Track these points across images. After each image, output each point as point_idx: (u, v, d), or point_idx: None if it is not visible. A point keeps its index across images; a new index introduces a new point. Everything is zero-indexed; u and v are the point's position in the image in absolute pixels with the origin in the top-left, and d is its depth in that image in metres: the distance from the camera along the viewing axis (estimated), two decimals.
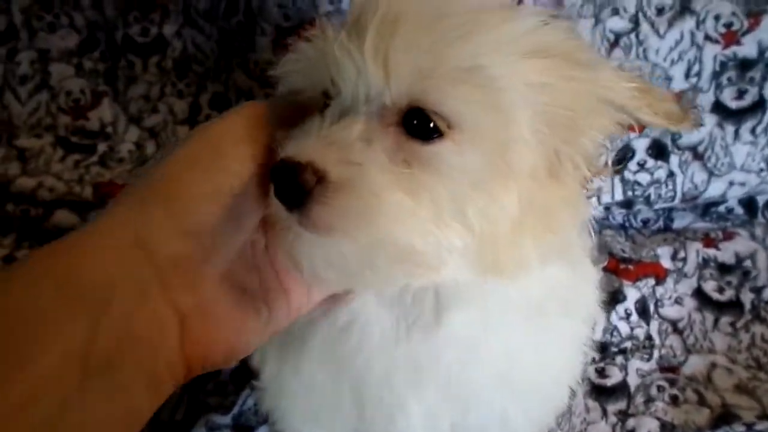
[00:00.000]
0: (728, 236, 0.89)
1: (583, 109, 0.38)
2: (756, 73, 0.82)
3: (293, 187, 0.34)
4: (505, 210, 0.37)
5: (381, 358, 0.44)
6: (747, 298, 0.83)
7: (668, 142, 0.86)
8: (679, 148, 0.86)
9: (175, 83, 1.00)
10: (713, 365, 0.77)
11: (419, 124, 0.36)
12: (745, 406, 0.71)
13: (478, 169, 0.36)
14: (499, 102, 0.36)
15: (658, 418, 0.71)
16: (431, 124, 0.36)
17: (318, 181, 0.34)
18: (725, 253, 0.88)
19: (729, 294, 0.84)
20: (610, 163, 0.44)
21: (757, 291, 0.84)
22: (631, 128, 0.40)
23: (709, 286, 0.85)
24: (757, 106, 0.83)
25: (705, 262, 0.87)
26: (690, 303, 0.84)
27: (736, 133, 0.85)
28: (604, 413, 0.72)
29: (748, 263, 0.86)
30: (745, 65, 0.82)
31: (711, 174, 0.87)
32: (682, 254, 0.87)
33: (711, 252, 0.87)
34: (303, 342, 0.47)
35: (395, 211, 0.35)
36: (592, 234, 0.44)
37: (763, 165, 0.86)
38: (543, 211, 0.38)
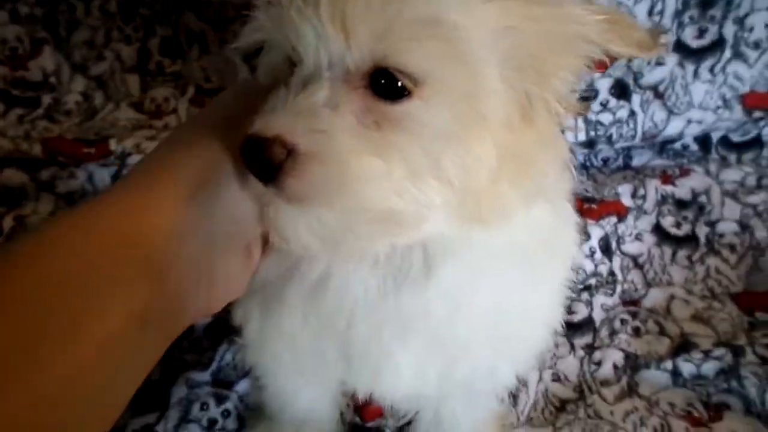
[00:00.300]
0: (684, 173, 0.92)
1: (551, 49, 0.37)
2: (716, 12, 0.83)
3: (263, 163, 0.34)
4: (481, 161, 0.37)
5: (366, 313, 0.44)
6: (702, 232, 0.87)
7: (630, 81, 0.87)
8: (640, 88, 0.87)
9: (121, 28, 0.95)
10: (672, 297, 0.81)
11: (386, 84, 0.35)
12: (702, 334, 0.76)
13: (449, 124, 0.36)
14: (462, 53, 0.35)
15: (622, 350, 0.75)
16: (398, 83, 0.35)
17: (288, 154, 0.34)
18: (681, 189, 0.91)
19: (685, 228, 0.88)
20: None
21: (711, 225, 0.88)
22: (600, 65, 0.39)
23: (667, 222, 0.88)
24: (716, 45, 0.85)
25: (663, 199, 0.90)
26: (649, 239, 0.87)
27: (696, 72, 0.86)
28: (572, 348, 0.75)
29: (703, 198, 0.90)
30: (706, 3, 0.83)
31: (671, 112, 0.89)
32: (641, 191, 0.90)
33: (668, 188, 0.90)
34: (283, 298, 0.46)
35: (367, 175, 0.35)
36: (573, 173, 0.44)
37: (720, 102, 0.88)
38: (520, 156, 0.38)
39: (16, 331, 0.30)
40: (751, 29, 0.84)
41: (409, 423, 0.67)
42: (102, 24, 0.93)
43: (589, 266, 0.82)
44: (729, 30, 0.84)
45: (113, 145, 0.86)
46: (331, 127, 0.35)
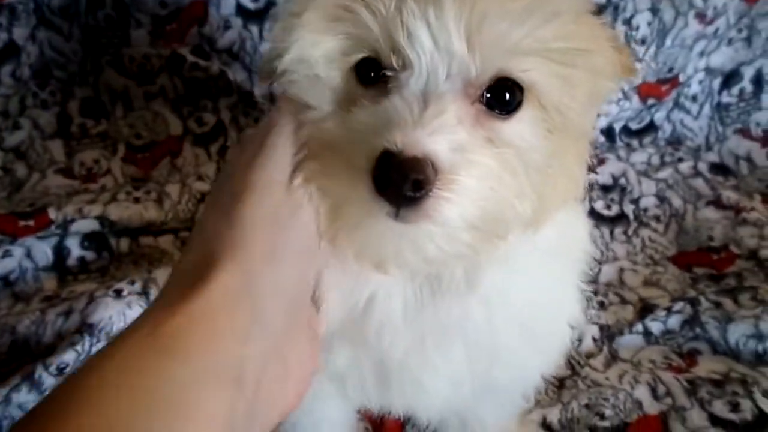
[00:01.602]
0: (601, 161, 1.03)
1: (606, 73, 0.39)
2: (607, 17, 0.95)
3: (412, 183, 0.32)
4: (554, 172, 0.38)
5: (406, 329, 0.43)
6: (629, 209, 0.97)
7: None
8: None
9: (36, 93, 0.89)
10: (621, 269, 0.89)
11: (496, 98, 0.36)
12: (657, 295, 0.84)
13: (547, 138, 0.37)
14: (572, 74, 0.36)
15: (595, 323, 0.81)
16: (507, 96, 0.35)
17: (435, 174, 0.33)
18: (603, 175, 1.01)
19: (615, 209, 0.97)
20: None
21: (635, 202, 0.98)
22: None
23: (599, 205, 0.97)
24: None
25: (591, 186, 0.99)
26: (588, 223, 0.95)
27: None
28: None
29: (622, 181, 1.00)
30: (598, 9, 0.94)
31: None
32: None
33: (592, 176, 1.00)
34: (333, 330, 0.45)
35: (499, 191, 0.35)
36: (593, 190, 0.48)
37: (620, 95, 1.00)
38: (569, 167, 0.40)
39: None
40: (638, 28, 0.96)
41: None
42: (15, 91, 0.88)
43: None
44: (620, 30, 0.96)
45: (53, 213, 0.80)
46: (468, 145, 0.34)
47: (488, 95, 0.36)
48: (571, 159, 0.40)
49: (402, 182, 0.32)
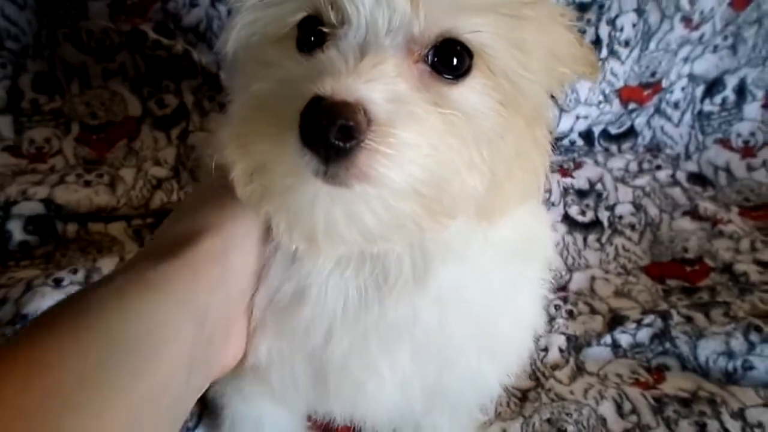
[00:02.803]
0: (578, 165, 1.00)
1: (562, 55, 0.38)
2: (591, 15, 0.92)
3: (341, 132, 0.29)
4: (509, 153, 0.36)
5: (345, 328, 0.41)
6: (604, 216, 0.94)
7: None
8: None
9: None
10: (593, 278, 0.87)
11: (442, 60, 0.33)
12: (627, 306, 0.81)
13: (498, 110, 0.35)
14: (524, 39, 0.34)
15: (563, 333, 0.78)
16: (454, 61, 0.33)
17: (368, 124, 0.30)
18: (579, 180, 0.98)
19: (590, 215, 0.95)
20: None
21: (611, 209, 0.95)
22: None
23: (573, 211, 0.94)
24: (594, 44, 0.93)
25: (566, 191, 0.96)
26: (561, 228, 0.92)
27: None
28: None
29: (599, 186, 0.97)
30: (581, 7, 0.91)
31: (561, 110, 0.96)
32: (546, 186, 0.95)
33: (568, 180, 0.97)
34: (255, 317, 0.42)
35: (444, 153, 0.32)
36: (549, 177, 0.44)
37: (601, 98, 0.97)
38: (525, 154, 0.38)
39: (93, 368, 0.32)
40: (622, 29, 0.93)
41: None
42: None
43: None
44: (604, 31, 0.93)
45: None
46: (409, 98, 0.31)
47: (435, 59, 0.33)
48: (528, 144, 0.38)
49: (329, 127, 0.29)
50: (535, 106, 0.37)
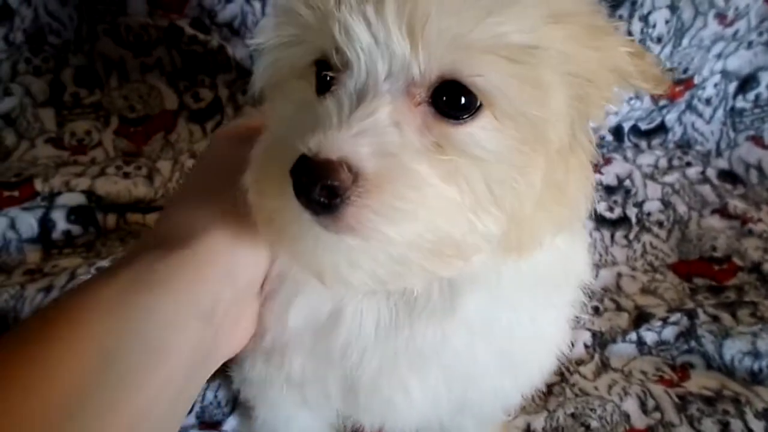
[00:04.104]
0: (607, 161, 1.00)
1: (599, 79, 0.35)
2: (624, 11, 0.92)
3: (325, 190, 0.30)
4: (532, 188, 0.34)
5: (377, 349, 0.41)
6: (632, 212, 0.94)
7: None
8: None
9: (29, 59, 0.86)
10: (619, 275, 0.87)
11: (449, 101, 0.32)
12: (654, 304, 0.82)
13: (513, 149, 0.33)
14: (539, 78, 0.33)
15: (589, 329, 0.79)
16: (462, 100, 0.32)
17: (353, 180, 0.30)
18: (607, 176, 0.98)
19: (617, 211, 0.95)
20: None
21: (639, 205, 0.95)
22: None
23: (601, 207, 0.94)
24: None
25: (594, 187, 0.96)
26: (589, 224, 0.93)
27: None
28: None
29: (627, 183, 0.97)
30: (614, 4, 0.91)
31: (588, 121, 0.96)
32: (591, 203, 0.95)
33: (597, 176, 0.96)
34: (292, 335, 0.43)
35: (438, 204, 0.32)
36: (595, 201, 0.42)
37: (631, 94, 0.97)
38: (558, 185, 0.36)
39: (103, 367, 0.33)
40: (654, 25, 0.93)
41: None
42: (7, 56, 0.85)
43: None
44: (636, 27, 0.92)
45: (39, 185, 0.78)
46: (400, 150, 0.31)
47: (444, 98, 0.32)
48: (559, 175, 0.36)
49: (311, 186, 0.30)
50: (562, 139, 0.35)
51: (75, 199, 0.79)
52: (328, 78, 0.35)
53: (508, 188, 0.34)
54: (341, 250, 0.32)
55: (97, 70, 0.90)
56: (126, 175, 0.83)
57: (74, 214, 0.80)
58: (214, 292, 0.38)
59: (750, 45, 1.00)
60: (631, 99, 0.97)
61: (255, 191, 0.36)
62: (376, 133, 0.31)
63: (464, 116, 0.32)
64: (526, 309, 0.43)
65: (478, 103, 0.32)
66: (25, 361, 0.32)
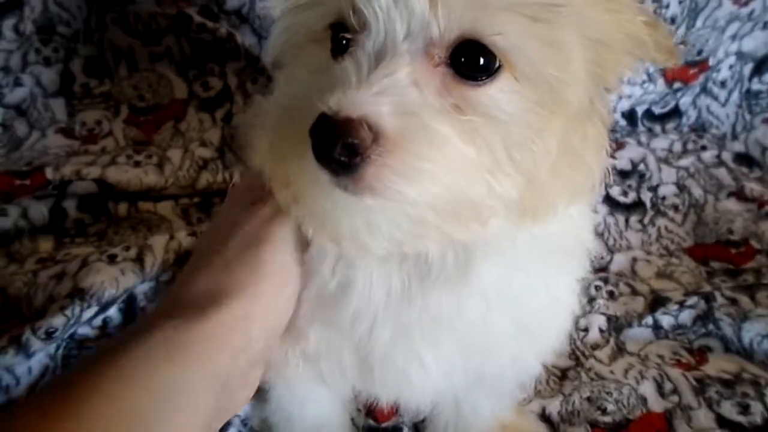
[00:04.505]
0: (620, 146, 0.98)
1: (615, 44, 0.35)
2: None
3: (346, 149, 0.29)
4: (549, 152, 0.34)
5: (388, 318, 0.41)
6: (646, 197, 0.93)
7: None
8: None
9: (39, 49, 0.87)
10: (634, 259, 0.86)
11: (467, 62, 0.32)
12: (670, 288, 0.81)
13: (532, 111, 0.33)
14: (557, 38, 0.32)
15: (603, 314, 0.78)
16: (481, 61, 0.32)
17: (373, 139, 0.30)
18: (621, 160, 0.97)
19: (632, 196, 0.93)
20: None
21: (653, 189, 0.94)
22: None
23: (615, 191, 0.93)
24: None
25: (607, 171, 0.95)
26: (603, 209, 0.92)
27: None
28: None
29: (641, 167, 0.96)
30: None
31: (605, 90, 0.94)
32: (604, 171, 0.94)
33: (610, 161, 0.95)
34: (302, 307, 0.43)
35: (458, 164, 0.31)
36: (610, 182, 0.43)
37: (645, 77, 0.96)
38: (576, 151, 0.36)
39: None
40: (668, 5, 0.91)
41: (424, 419, 0.66)
42: (17, 46, 0.85)
43: None
44: (649, 7, 0.91)
45: (50, 173, 0.78)
46: (420, 109, 0.31)
47: (462, 60, 0.32)
48: (577, 142, 0.36)
49: (332, 145, 0.30)
50: (580, 103, 0.35)
51: (86, 187, 0.79)
52: (345, 41, 0.35)
53: (526, 151, 0.34)
54: (360, 212, 0.32)
55: (106, 60, 0.90)
56: (137, 164, 0.83)
57: (85, 202, 0.80)
58: (232, 361, 0.39)
59: (765, 25, 0.98)
60: (644, 82, 0.96)
61: (271, 156, 0.36)
62: (396, 92, 0.31)
63: (483, 77, 0.32)
64: (540, 276, 0.43)
65: (498, 64, 0.32)
66: None
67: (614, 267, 0.85)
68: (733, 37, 0.98)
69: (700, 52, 0.97)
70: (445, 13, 0.31)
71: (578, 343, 0.75)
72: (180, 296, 0.41)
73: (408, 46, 0.32)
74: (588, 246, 0.47)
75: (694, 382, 0.67)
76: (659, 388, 0.67)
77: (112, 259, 0.70)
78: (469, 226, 0.34)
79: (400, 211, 0.32)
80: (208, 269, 0.41)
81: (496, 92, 0.33)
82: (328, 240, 0.36)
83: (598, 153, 0.39)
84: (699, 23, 0.94)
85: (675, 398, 0.66)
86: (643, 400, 0.66)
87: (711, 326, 0.74)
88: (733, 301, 0.75)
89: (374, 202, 0.32)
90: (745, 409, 0.64)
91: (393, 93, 0.31)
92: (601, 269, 0.85)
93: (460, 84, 0.32)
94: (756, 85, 1.02)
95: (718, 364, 0.70)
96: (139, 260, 0.71)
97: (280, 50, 0.40)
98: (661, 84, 0.97)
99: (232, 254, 0.41)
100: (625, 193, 0.93)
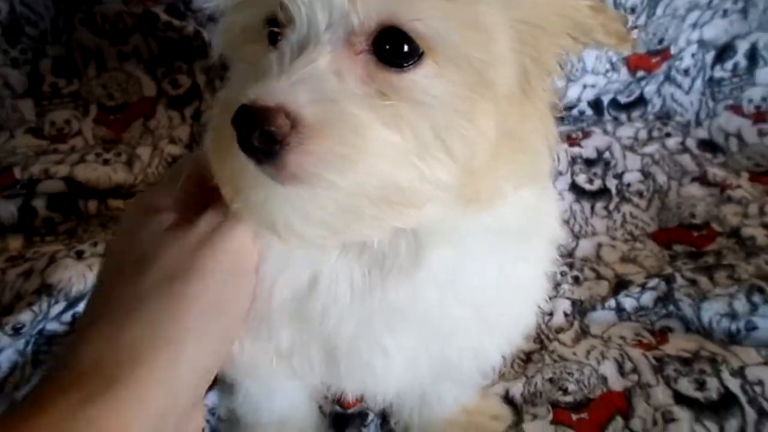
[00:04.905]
0: (586, 135, 1.00)
1: (550, 25, 0.36)
2: None
3: (264, 137, 0.30)
4: (484, 136, 0.35)
5: (353, 311, 0.41)
6: (612, 184, 0.95)
7: None
8: None
9: (6, 51, 0.87)
10: (599, 245, 0.87)
11: (392, 49, 0.33)
12: (633, 272, 0.82)
13: (459, 95, 0.34)
14: (479, 19, 0.33)
15: (568, 298, 0.80)
16: (405, 48, 0.33)
17: (292, 127, 0.30)
18: (587, 149, 0.98)
19: (597, 183, 0.95)
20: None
21: (619, 177, 0.96)
22: None
23: (581, 179, 0.95)
24: None
25: (573, 160, 0.97)
26: (569, 196, 0.93)
27: None
28: None
29: (607, 155, 0.98)
30: None
31: (568, 80, 0.96)
32: (554, 155, 0.96)
33: (576, 150, 0.98)
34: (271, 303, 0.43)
35: (381, 149, 0.32)
36: (556, 155, 0.43)
37: (608, 66, 0.97)
38: (516, 134, 0.36)
39: None
40: None
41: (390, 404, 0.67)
42: None
43: None
44: None
45: (18, 173, 0.79)
46: (340, 96, 0.32)
47: (387, 46, 0.33)
48: (514, 124, 0.36)
49: (251, 133, 0.30)
50: (509, 85, 0.36)
51: (55, 186, 0.80)
52: (277, 35, 0.35)
53: (456, 135, 0.34)
54: (290, 201, 0.33)
55: (75, 60, 0.91)
56: (105, 162, 0.84)
57: (55, 201, 0.81)
58: (162, 420, 0.34)
59: (725, 13, 1.00)
60: (607, 71, 0.98)
61: (212, 152, 0.36)
62: (315, 80, 0.32)
63: (407, 64, 0.33)
64: (492, 261, 0.43)
65: (421, 51, 0.33)
66: None
67: (579, 253, 0.87)
68: (694, 26, 0.99)
69: (661, 41, 0.99)
70: (363, 3, 0.32)
71: (543, 327, 0.77)
72: (76, 362, 0.34)
73: (329, 36, 0.33)
74: (553, 234, 0.48)
75: (654, 361, 0.68)
76: (620, 367, 0.69)
77: (79, 255, 0.71)
78: (404, 212, 0.35)
79: (328, 199, 0.33)
80: (108, 324, 0.35)
81: (419, 77, 0.33)
82: (266, 230, 0.37)
83: (540, 134, 0.39)
84: (659, 11, 0.96)
85: (635, 377, 0.68)
86: (604, 379, 0.68)
87: (671, 307, 0.75)
88: (693, 282, 0.77)
89: (301, 190, 0.32)
90: (701, 386, 0.65)
91: (312, 81, 0.32)
92: (566, 255, 0.86)
93: (383, 71, 0.33)
94: (718, 73, 1.04)
95: (678, 344, 0.71)
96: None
97: (224, 48, 0.41)
98: (624, 73, 0.99)
99: (133, 297, 0.36)
100: (590, 181, 0.95)
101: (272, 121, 0.30)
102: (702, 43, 1.02)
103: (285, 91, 0.31)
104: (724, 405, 0.64)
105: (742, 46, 1.03)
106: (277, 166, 0.31)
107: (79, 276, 0.69)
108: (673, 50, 1.00)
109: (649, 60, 1.00)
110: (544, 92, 0.38)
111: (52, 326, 0.69)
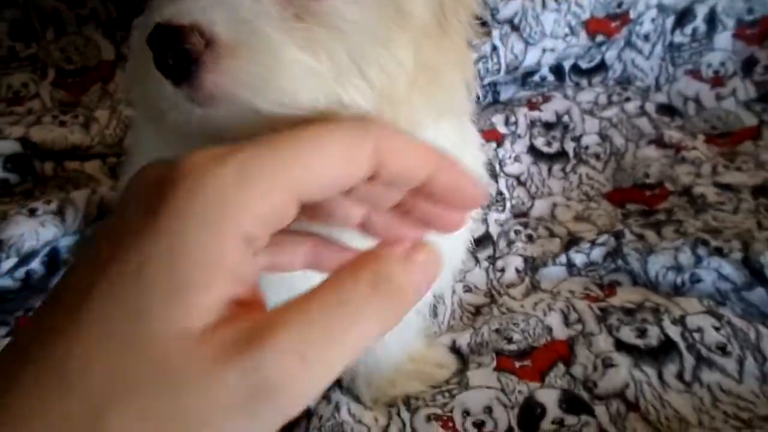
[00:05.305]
0: (546, 99, 1.01)
1: None
2: None
3: (178, 56, 0.30)
4: (402, 66, 0.35)
5: None
6: (570, 146, 0.96)
7: (489, 18, 0.94)
8: (498, 22, 0.95)
9: None
10: (554, 205, 0.89)
11: None
12: (585, 230, 0.84)
13: (375, 22, 0.34)
14: None
15: (521, 255, 0.81)
16: None
17: (207, 45, 0.30)
18: (546, 113, 0.99)
19: (555, 146, 0.96)
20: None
21: (577, 140, 0.96)
22: None
23: (539, 142, 0.96)
24: None
25: (532, 123, 0.98)
26: (527, 159, 0.94)
27: (543, 2, 0.95)
28: (477, 261, 0.80)
29: (566, 118, 0.98)
30: None
31: (527, 43, 0.97)
32: (513, 119, 0.97)
33: (535, 114, 0.98)
34: None
35: (296, 71, 0.32)
36: (478, 92, 0.44)
37: (567, 30, 0.98)
38: (433, 67, 0.37)
39: None
40: None
41: None
42: None
43: None
44: None
45: None
46: (255, 17, 0.32)
47: None
48: (431, 56, 0.37)
49: (164, 52, 0.30)
50: (424, 16, 0.37)
51: (10, 147, 0.80)
52: None
53: (373, 62, 0.34)
54: (211, 123, 0.33)
55: (32, 23, 0.90)
56: (62, 124, 0.84)
57: (10, 162, 0.81)
58: None
59: None
60: (566, 35, 0.98)
61: (131, 76, 0.36)
62: (231, 0, 0.32)
63: None
64: None
65: None
66: None
67: (535, 212, 0.88)
68: None
69: (620, 5, 0.99)
70: None
71: (495, 282, 0.78)
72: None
73: None
74: (473, 167, 0.48)
75: (598, 312, 0.70)
76: (565, 318, 0.70)
77: (32, 213, 0.71)
78: None
79: (249, 120, 0.33)
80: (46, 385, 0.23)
81: (337, 2, 0.34)
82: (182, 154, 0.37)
83: (457, 67, 0.40)
84: None
85: (579, 327, 0.69)
86: (549, 329, 0.69)
87: (620, 261, 0.77)
88: (641, 237, 0.78)
89: (220, 111, 0.32)
90: (642, 333, 0.67)
91: (227, 1, 0.32)
92: (521, 214, 0.88)
93: None
94: (678, 38, 1.05)
95: (625, 296, 0.73)
96: (60, 213, 0.72)
97: None
98: (583, 37, 0.99)
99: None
100: (549, 144, 0.96)
101: (186, 39, 0.30)
102: (662, 8, 1.02)
103: (199, 10, 0.31)
104: (664, 351, 0.65)
105: (702, 11, 1.03)
106: (193, 86, 0.31)
107: (31, 232, 0.69)
108: (632, 14, 1.01)
109: (608, 24, 1.00)
110: (460, 25, 0.39)
111: (5, 282, 0.69)
